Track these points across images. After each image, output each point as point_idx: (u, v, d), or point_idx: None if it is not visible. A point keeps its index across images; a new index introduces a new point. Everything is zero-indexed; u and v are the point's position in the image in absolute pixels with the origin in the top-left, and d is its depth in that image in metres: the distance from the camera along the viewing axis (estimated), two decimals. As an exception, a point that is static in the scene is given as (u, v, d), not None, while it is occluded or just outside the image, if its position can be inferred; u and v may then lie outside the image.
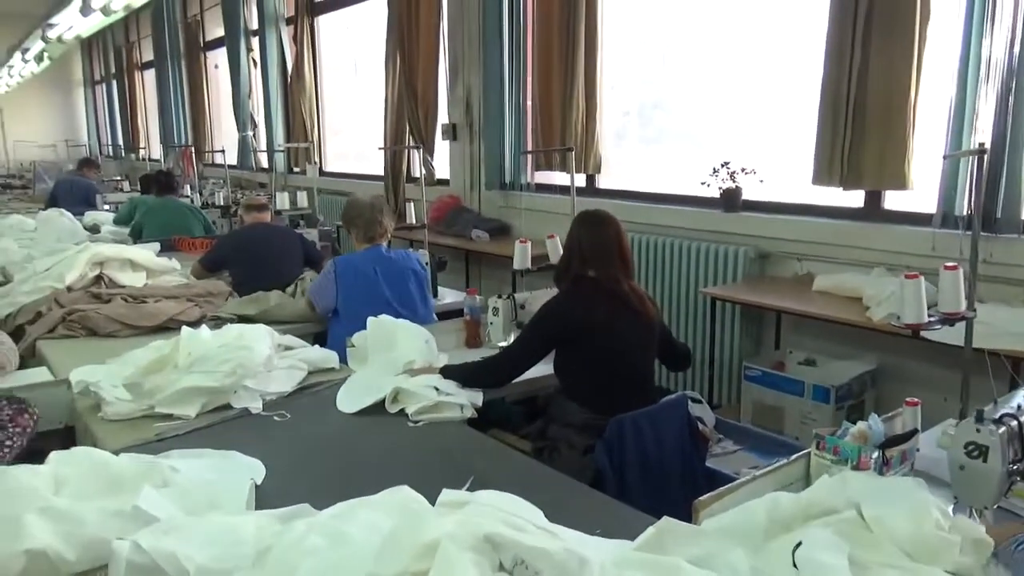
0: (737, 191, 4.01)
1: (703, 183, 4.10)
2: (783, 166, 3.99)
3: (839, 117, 3.41)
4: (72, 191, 7.62)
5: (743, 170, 4.00)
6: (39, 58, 5.55)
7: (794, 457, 1.61)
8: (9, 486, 1.36)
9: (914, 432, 1.67)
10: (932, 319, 1.90)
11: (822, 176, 3.50)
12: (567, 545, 1.17)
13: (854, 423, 1.65)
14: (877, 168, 3.34)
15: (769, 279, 3.84)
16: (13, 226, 5.35)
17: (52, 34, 4.25)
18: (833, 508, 1.40)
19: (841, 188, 3.47)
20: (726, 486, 1.46)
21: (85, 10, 3.35)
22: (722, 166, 4.03)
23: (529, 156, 5.20)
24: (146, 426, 2.06)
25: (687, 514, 1.40)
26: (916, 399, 1.80)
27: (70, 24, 4.10)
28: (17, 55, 5.61)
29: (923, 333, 2.40)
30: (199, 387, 2.10)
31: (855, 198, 3.59)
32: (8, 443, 1.72)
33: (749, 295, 3.53)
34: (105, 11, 3.38)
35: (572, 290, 2.39)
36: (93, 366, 2.36)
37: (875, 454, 1.54)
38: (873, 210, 3.56)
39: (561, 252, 2.54)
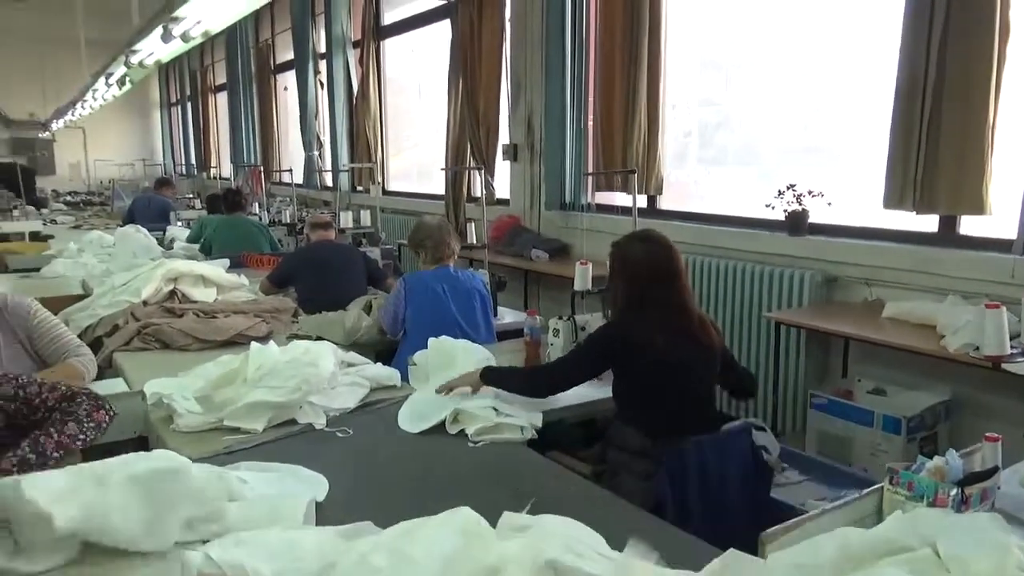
0: (803, 214, 3.93)
1: (768, 205, 4.03)
2: (852, 189, 3.90)
3: (912, 138, 3.31)
4: (149, 207, 7.93)
5: (810, 193, 3.92)
6: (121, 82, 5.86)
7: (866, 492, 1.56)
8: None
9: (995, 469, 1.60)
10: (1015, 351, 1.82)
11: (893, 199, 3.41)
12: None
13: (929, 457, 1.59)
14: (953, 192, 3.23)
15: (837, 304, 3.74)
16: (93, 241, 5.59)
17: (134, 60, 4.47)
18: (907, 546, 1.34)
19: (914, 212, 3.37)
20: (794, 519, 1.42)
21: (166, 37, 3.52)
22: (788, 188, 3.96)
23: (590, 176, 5.20)
24: (215, 439, 2.11)
25: (750, 545, 1.37)
26: (996, 434, 1.72)
27: (151, 50, 4.31)
28: (101, 80, 5.93)
29: (1004, 365, 2.30)
30: (266, 402, 2.15)
31: (928, 223, 3.49)
32: (81, 436, 1.78)
33: (815, 320, 3.44)
34: (184, 38, 3.54)
35: (635, 314, 2.35)
36: (166, 379, 2.44)
37: (953, 491, 1.48)
38: (948, 235, 3.44)
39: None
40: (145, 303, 3.48)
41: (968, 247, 3.35)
